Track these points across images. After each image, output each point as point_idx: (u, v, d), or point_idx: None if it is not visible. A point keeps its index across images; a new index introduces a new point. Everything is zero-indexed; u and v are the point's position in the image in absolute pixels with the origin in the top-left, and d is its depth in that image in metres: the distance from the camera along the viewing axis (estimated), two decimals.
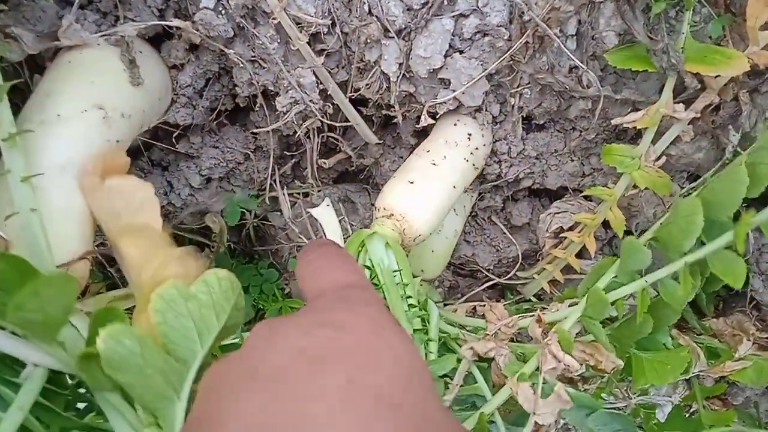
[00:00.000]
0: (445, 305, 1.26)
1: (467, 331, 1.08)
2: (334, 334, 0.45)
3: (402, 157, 1.19)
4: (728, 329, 1.19)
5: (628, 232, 1.12)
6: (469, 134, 1.03)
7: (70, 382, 0.74)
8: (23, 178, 0.73)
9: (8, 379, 0.65)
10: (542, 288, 1.27)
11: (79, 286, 0.79)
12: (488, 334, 1.04)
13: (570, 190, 1.18)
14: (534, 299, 1.34)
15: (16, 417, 0.60)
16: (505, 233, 1.23)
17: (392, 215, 0.92)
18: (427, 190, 0.96)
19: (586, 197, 1.17)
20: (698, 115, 0.97)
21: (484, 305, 1.18)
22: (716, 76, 0.94)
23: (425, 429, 0.41)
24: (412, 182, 0.96)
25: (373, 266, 0.87)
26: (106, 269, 1.40)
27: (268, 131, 1.12)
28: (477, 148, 1.03)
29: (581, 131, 1.09)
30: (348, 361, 0.43)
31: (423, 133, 1.14)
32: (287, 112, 1.02)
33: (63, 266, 0.77)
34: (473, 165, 1.03)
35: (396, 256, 0.87)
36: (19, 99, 0.93)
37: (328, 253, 0.63)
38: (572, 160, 1.13)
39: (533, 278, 1.29)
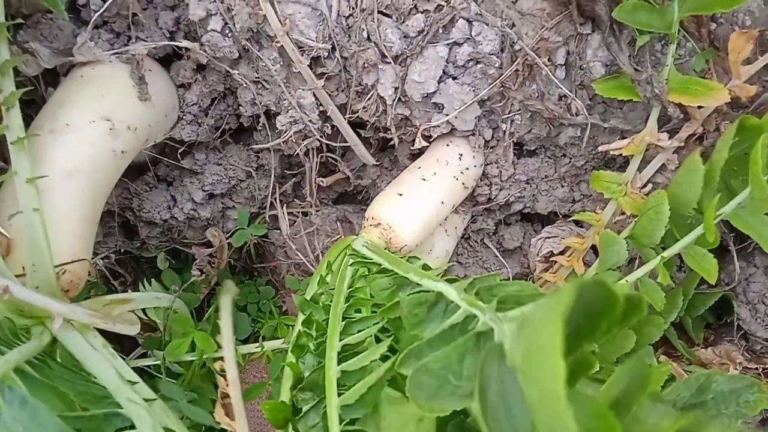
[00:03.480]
0: None
1: None
2: None
3: None
4: (716, 359, 1.19)
5: None
6: (461, 154, 1.07)
7: None
8: (28, 179, 0.78)
9: None
10: None
11: (75, 286, 0.83)
12: None
13: (560, 216, 1.21)
14: None
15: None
16: (497, 256, 1.26)
17: (379, 224, 0.96)
18: (414, 203, 0.99)
19: (576, 223, 1.20)
20: (682, 144, 1.01)
21: None
22: (699, 107, 0.98)
23: None
24: (400, 194, 1.00)
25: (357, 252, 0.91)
26: (110, 282, 1.44)
27: (269, 150, 1.16)
28: (467, 168, 1.07)
29: (571, 158, 1.13)
30: None
31: (419, 156, 1.18)
32: (287, 130, 1.07)
33: (61, 266, 0.81)
34: (463, 184, 1.06)
35: (377, 251, 0.90)
36: (33, 111, 0.99)
37: None
38: (562, 186, 1.16)
39: None
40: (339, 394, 0.71)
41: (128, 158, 0.98)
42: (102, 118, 0.92)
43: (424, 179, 1.02)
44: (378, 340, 0.78)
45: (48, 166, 0.84)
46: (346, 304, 0.82)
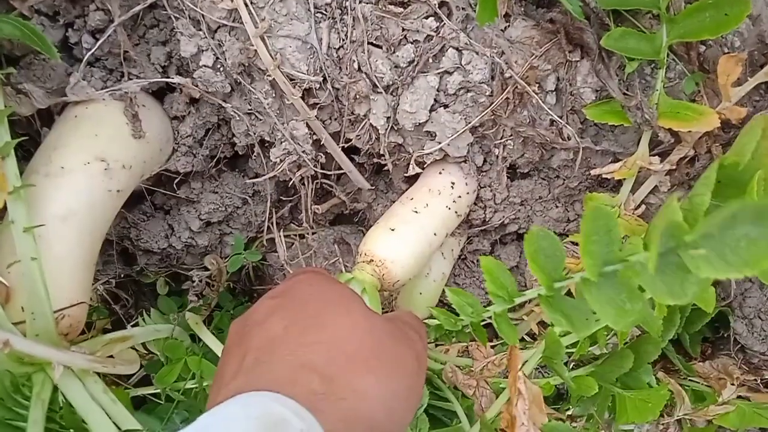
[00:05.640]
0: (437, 345, 1.29)
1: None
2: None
3: (394, 201, 1.24)
4: (714, 373, 1.21)
5: None
6: (453, 183, 1.07)
7: None
8: (25, 228, 0.78)
9: None
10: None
11: (74, 330, 0.84)
12: (472, 370, 1.08)
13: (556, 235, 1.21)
14: (527, 338, 1.36)
15: None
16: None
17: (372, 260, 0.96)
18: (407, 238, 0.99)
19: (572, 241, 1.20)
20: (674, 167, 1.01)
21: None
22: (689, 131, 0.98)
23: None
24: (393, 229, 1.00)
25: None
26: (111, 306, 1.45)
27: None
28: (460, 196, 1.07)
29: (564, 179, 1.13)
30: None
31: (414, 179, 1.18)
32: (281, 162, 1.08)
33: (60, 311, 0.82)
34: (455, 212, 1.07)
35: (370, 300, 0.90)
36: (32, 146, 1.00)
37: None
38: (557, 207, 1.17)
39: (523, 319, 1.31)
40: None
41: (124, 196, 0.99)
42: (96, 159, 0.92)
43: (416, 211, 1.03)
44: None
45: (44, 211, 0.85)
46: None
